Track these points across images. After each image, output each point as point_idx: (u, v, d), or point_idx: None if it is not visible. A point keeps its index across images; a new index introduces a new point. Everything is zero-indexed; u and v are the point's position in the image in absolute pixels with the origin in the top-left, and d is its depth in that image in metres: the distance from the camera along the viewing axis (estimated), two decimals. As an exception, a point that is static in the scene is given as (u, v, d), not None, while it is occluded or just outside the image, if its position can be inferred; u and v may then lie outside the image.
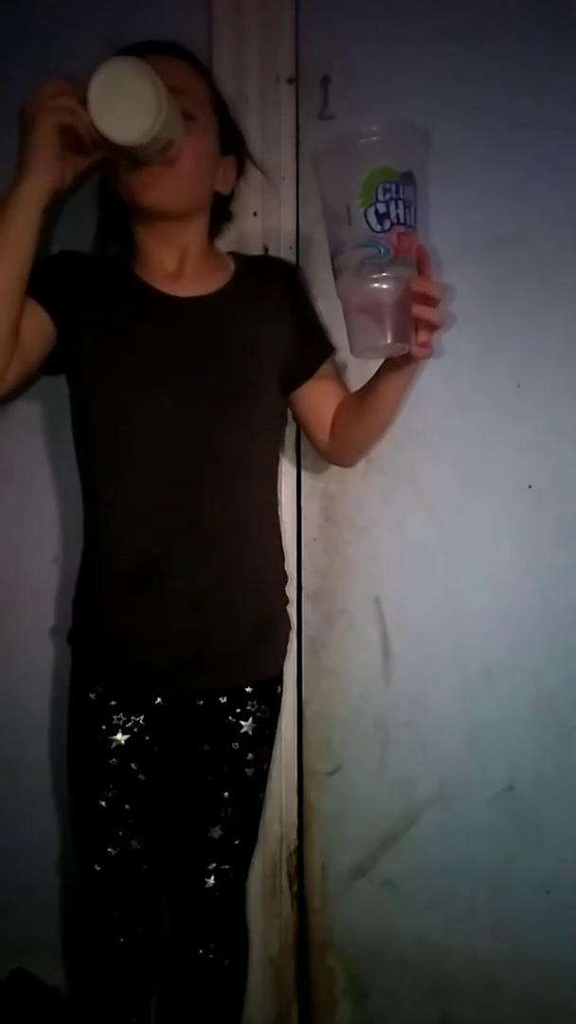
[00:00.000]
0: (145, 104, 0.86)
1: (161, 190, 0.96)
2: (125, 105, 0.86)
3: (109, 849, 1.06)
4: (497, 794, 1.20)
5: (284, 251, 1.18)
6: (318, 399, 1.10)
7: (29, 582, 1.25)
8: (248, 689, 1.08)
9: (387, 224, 0.78)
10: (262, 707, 1.09)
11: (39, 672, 1.26)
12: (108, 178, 1.03)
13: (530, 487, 1.17)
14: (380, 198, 0.78)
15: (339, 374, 1.14)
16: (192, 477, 1.00)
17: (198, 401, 1.00)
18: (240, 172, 1.11)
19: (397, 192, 0.78)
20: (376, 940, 1.25)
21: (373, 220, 0.79)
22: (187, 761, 1.08)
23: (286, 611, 1.16)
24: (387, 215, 0.78)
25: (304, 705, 1.24)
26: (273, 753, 1.20)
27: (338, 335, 1.09)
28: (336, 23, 1.16)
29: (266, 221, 1.17)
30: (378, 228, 0.79)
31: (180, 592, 1.01)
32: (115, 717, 1.05)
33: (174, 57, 1.00)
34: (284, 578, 1.15)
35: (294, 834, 1.26)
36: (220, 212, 1.11)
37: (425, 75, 1.14)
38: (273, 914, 1.26)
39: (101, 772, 1.05)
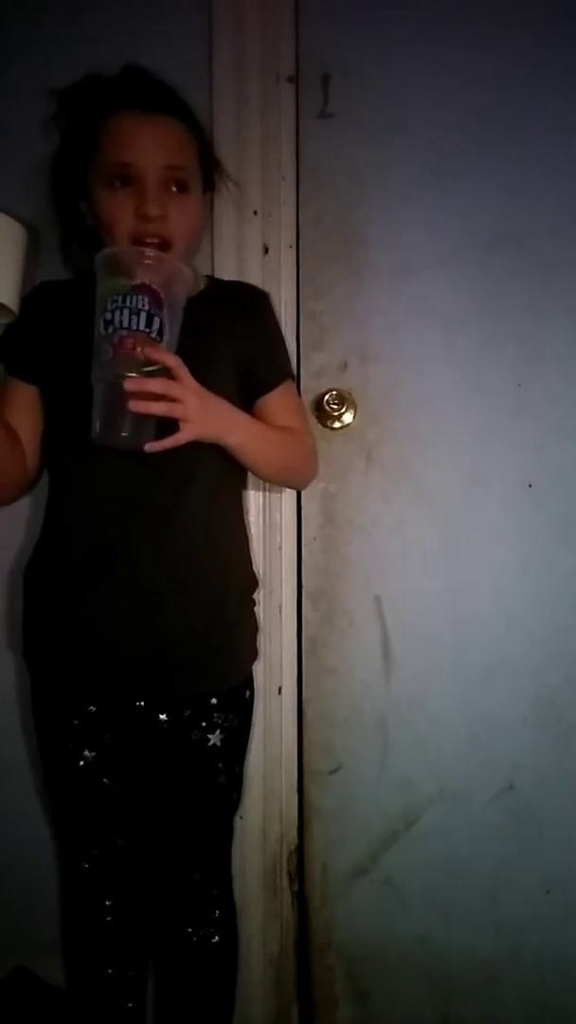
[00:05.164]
0: None
1: (157, 272, 0.93)
2: None
3: (95, 850, 1.08)
4: (498, 793, 1.20)
5: (284, 250, 1.18)
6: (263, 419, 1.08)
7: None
8: (213, 701, 1.06)
9: (111, 330, 0.88)
10: (229, 716, 1.07)
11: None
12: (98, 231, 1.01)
13: (530, 486, 1.17)
14: (108, 308, 0.88)
15: (290, 402, 1.10)
16: (145, 473, 0.99)
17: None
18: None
19: (124, 302, 0.88)
20: (377, 939, 1.25)
21: (101, 327, 0.89)
22: (157, 775, 1.08)
23: (253, 613, 1.15)
24: (111, 321, 0.88)
25: (304, 705, 1.24)
26: (275, 754, 1.21)
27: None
28: (336, 21, 1.16)
29: (266, 220, 1.17)
30: (103, 332, 0.89)
31: (132, 582, 1.00)
32: (80, 737, 1.05)
33: (169, 116, 0.98)
34: (251, 581, 1.14)
35: (294, 833, 1.26)
36: None
37: (425, 74, 1.14)
38: (273, 913, 1.26)
39: (74, 787, 1.07)
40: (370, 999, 1.26)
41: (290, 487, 1.20)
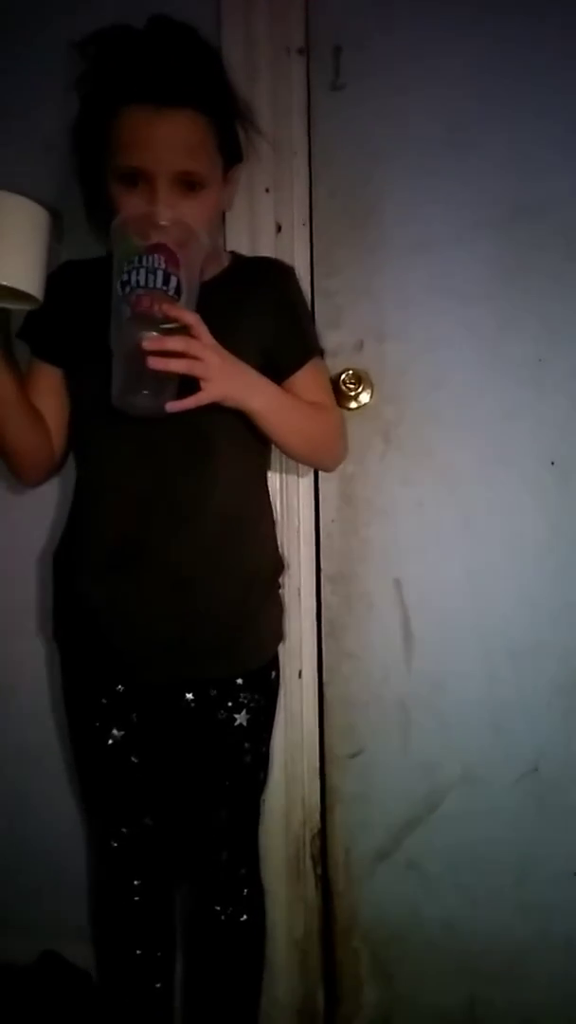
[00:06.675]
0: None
1: (172, 233, 0.91)
2: None
3: (123, 829, 1.09)
4: (522, 776, 1.19)
5: (297, 228, 1.16)
6: None
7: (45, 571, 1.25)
8: (239, 681, 1.06)
9: (128, 290, 0.87)
10: (256, 697, 1.07)
11: (56, 655, 1.26)
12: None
13: (553, 464, 1.14)
14: (124, 269, 0.88)
15: (318, 380, 1.08)
16: (172, 457, 0.99)
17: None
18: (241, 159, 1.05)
19: (139, 262, 0.87)
20: (401, 923, 1.25)
21: (118, 288, 0.88)
22: (184, 754, 1.08)
23: (279, 596, 1.14)
24: (128, 282, 0.87)
25: (325, 689, 1.23)
26: (297, 738, 1.21)
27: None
28: (347, -9, 1.13)
29: (278, 197, 1.15)
30: (120, 293, 0.88)
31: (160, 571, 1.00)
32: (108, 715, 1.06)
33: (184, 109, 0.91)
34: (277, 564, 1.13)
35: (317, 817, 1.26)
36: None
37: (439, 42, 1.11)
38: (297, 897, 1.26)
39: (103, 765, 1.08)
40: (395, 982, 1.26)
41: (318, 466, 1.18)
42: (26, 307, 0.95)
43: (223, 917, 1.11)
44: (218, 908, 1.11)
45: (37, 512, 1.25)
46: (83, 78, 0.97)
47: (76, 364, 1.05)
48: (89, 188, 1.02)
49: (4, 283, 0.88)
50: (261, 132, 1.08)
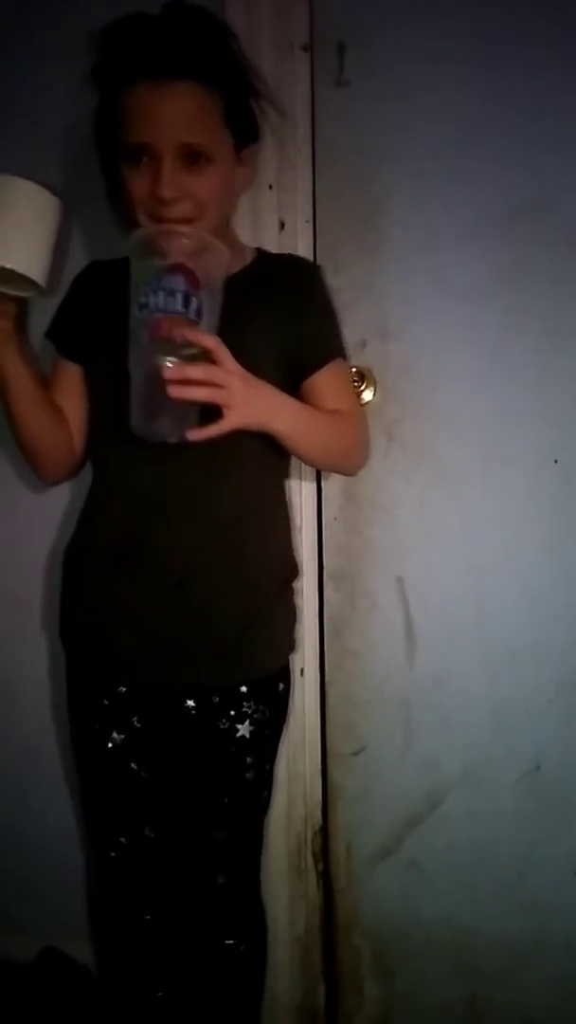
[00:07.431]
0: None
1: (192, 251, 0.89)
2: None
3: (122, 839, 1.06)
4: (523, 774, 1.19)
5: (301, 225, 1.16)
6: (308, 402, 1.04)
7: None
8: (243, 689, 1.03)
9: (145, 312, 0.84)
10: (260, 707, 1.04)
11: (62, 655, 1.26)
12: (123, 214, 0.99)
13: (556, 462, 1.14)
14: (142, 291, 0.85)
15: (339, 382, 1.06)
16: (180, 457, 0.96)
17: None
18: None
19: (158, 283, 0.84)
20: (402, 920, 1.25)
21: (136, 310, 0.86)
22: (184, 765, 1.06)
23: (292, 603, 1.12)
24: (146, 304, 0.84)
25: (327, 687, 1.23)
26: (298, 736, 1.21)
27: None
28: (351, -13, 1.12)
29: (282, 194, 1.15)
30: (138, 316, 0.85)
31: (164, 571, 0.99)
32: (109, 717, 1.05)
33: (187, 81, 0.90)
34: (289, 570, 1.11)
35: (319, 814, 1.26)
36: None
37: (443, 40, 1.11)
38: (299, 894, 1.26)
39: (103, 770, 1.06)
40: (396, 979, 1.26)
41: (339, 472, 1.16)
42: (29, 294, 0.93)
43: (220, 946, 1.07)
44: (216, 936, 1.07)
45: (46, 511, 1.25)
46: (95, 67, 0.96)
47: (93, 363, 1.04)
48: (111, 180, 1.01)
49: (6, 265, 0.86)
50: (277, 109, 1.06)
